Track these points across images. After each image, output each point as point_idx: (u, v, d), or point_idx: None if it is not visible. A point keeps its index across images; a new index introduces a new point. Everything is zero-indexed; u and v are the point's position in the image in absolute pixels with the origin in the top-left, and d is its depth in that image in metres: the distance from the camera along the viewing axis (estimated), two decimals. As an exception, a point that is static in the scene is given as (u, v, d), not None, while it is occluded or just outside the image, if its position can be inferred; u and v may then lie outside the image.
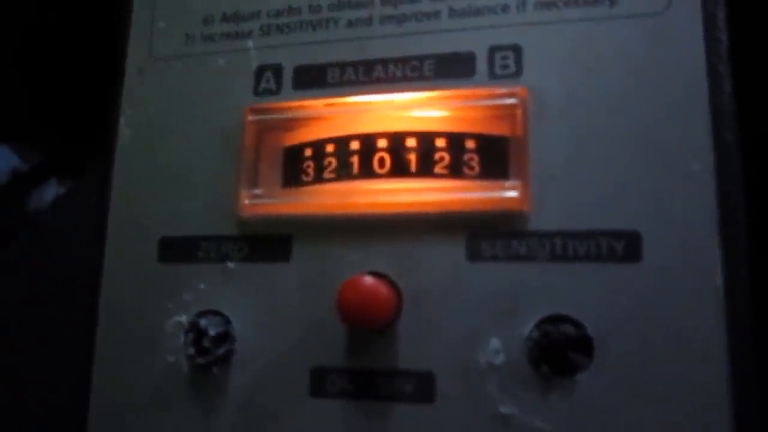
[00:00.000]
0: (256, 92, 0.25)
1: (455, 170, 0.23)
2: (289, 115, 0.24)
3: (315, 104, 0.24)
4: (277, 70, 0.25)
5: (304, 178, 0.25)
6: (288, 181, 0.25)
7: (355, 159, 0.24)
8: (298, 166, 0.25)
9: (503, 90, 0.23)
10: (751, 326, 0.20)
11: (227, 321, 0.24)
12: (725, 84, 0.21)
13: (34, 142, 0.41)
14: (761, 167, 0.23)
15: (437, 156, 0.23)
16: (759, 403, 0.20)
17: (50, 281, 0.33)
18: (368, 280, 0.21)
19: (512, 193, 0.22)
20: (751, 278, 0.20)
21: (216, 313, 0.24)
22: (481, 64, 0.23)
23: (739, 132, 0.21)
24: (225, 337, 0.23)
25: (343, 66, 0.25)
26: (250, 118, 0.25)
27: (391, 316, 0.21)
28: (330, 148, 0.24)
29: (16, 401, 0.30)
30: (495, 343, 0.21)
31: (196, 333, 0.23)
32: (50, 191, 0.43)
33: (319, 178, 0.24)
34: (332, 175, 0.24)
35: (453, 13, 0.24)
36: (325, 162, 0.24)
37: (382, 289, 0.21)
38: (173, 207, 0.25)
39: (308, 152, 0.25)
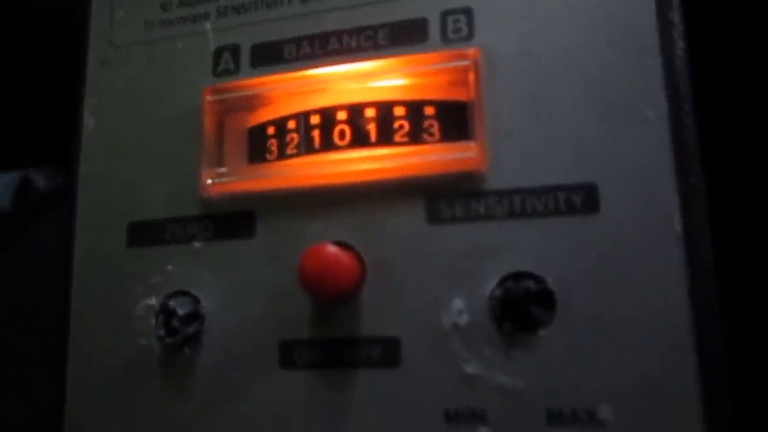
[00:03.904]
0: (216, 73, 0.25)
1: (415, 138, 0.23)
2: (248, 93, 0.25)
3: (272, 80, 0.24)
4: (235, 50, 0.25)
5: (268, 156, 0.25)
6: (252, 160, 0.25)
7: (315, 133, 0.24)
8: (262, 144, 0.25)
9: (455, 52, 0.22)
10: (712, 271, 0.20)
11: (196, 300, 0.24)
12: (676, 32, 0.21)
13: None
14: (716, 112, 0.23)
15: (396, 124, 0.23)
16: (724, 347, 0.19)
17: (35, 270, 0.34)
18: (327, 248, 0.21)
19: (468, 154, 0.22)
20: (710, 222, 0.20)
21: (185, 293, 0.24)
22: (434, 29, 0.23)
23: (691, 78, 0.21)
24: (194, 316, 0.23)
25: (298, 41, 0.25)
26: (209, 98, 0.25)
27: (352, 284, 0.21)
28: (291, 124, 0.24)
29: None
30: (458, 303, 0.21)
31: (166, 314, 0.23)
32: (58, 179, 0.43)
33: (282, 155, 0.24)
34: (294, 151, 0.24)
35: (404, -20, 0.24)
36: (288, 138, 0.24)
37: (342, 257, 0.21)
38: (139, 192, 0.25)
39: (271, 130, 0.25)
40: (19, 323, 0.31)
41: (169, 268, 0.24)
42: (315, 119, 0.24)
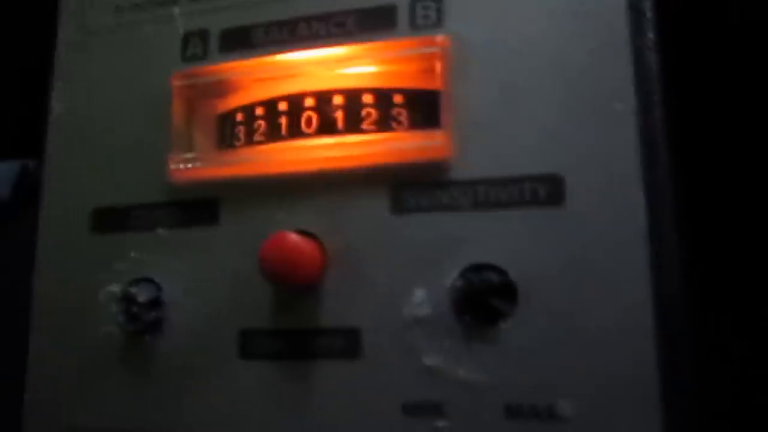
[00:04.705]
0: (184, 58, 0.25)
1: (383, 126, 0.23)
2: (215, 78, 0.24)
3: (240, 66, 0.24)
4: (204, 35, 0.25)
5: (236, 143, 0.24)
6: (220, 147, 0.25)
7: (283, 120, 0.23)
8: (230, 131, 0.25)
9: (424, 39, 0.22)
10: (677, 268, 0.19)
11: (158, 288, 0.23)
12: (646, 23, 0.21)
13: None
14: (688, 105, 0.23)
15: (364, 112, 0.23)
16: (686, 347, 0.19)
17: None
18: (288, 237, 0.21)
19: (435, 142, 0.21)
20: (676, 220, 0.20)
21: (148, 280, 0.23)
22: (403, 16, 0.23)
23: (662, 71, 0.21)
24: (155, 303, 0.23)
25: (267, 26, 0.24)
26: (177, 83, 0.24)
27: (313, 273, 0.21)
28: (259, 111, 0.24)
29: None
30: (420, 295, 0.21)
31: (127, 301, 0.23)
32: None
33: (249, 142, 0.24)
34: (262, 138, 0.24)
35: (374, -34, 0.23)
36: (255, 125, 0.24)
37: (303, 245, 0.21)
38: (105, 178, 0.25)
39: (239, 117, 0.24)
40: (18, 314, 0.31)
41: (133, 254, 0.24)
42: (282, 106, 0.24)
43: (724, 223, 0.27)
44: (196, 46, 0.25)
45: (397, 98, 0.23)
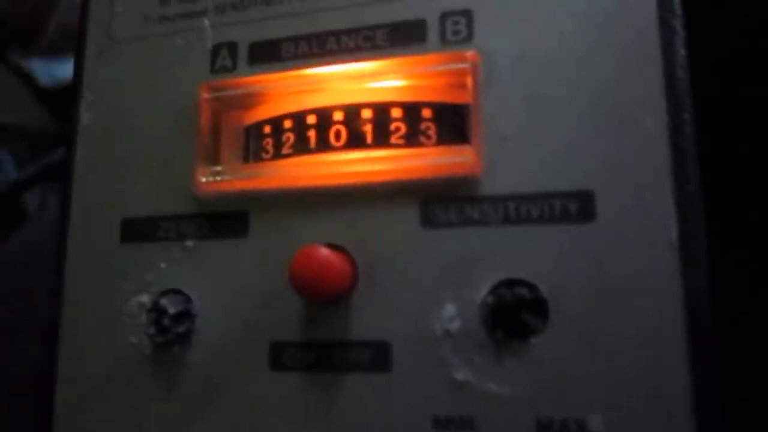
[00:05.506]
0: (213, 70, 0.25)
1: (412, 140, 0.23)
2: (244, 91, 0.24)
3: (269, 79, 0.24)
4: (233, 48, 0.25)
5: (264, 156, 0.24)
6: (247, 159, 0.25)
7: (311, 133, 0.24)
8: (257, 143, 0.25)
9: (454, 54, 0.22)
10: (707, 282, 0.20)
11: (187, 299, 0.23)
12: (677, 38, 0.21)
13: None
14: (715, 120, 0.23)
15: (393, 126, 0.23)
16: (716, 359, 0.19)
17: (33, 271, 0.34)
18: (318, 250, 0.21)
19: (464, 158, 0.21)
20: (707, 233, 0.20)
21: (176, 291, 0.24)
22: (433, 31, 0.23)
23: (692, 85, 0.21)
24: (185, 315, 0.23)
25: (296, 40, 0.24)
26: (205, 95, 0.25)
27: (343, 286, 0.21)
28: (287, 123, 0.24)
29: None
30: (450, 309, 0.21)
31: (157, 312, 0.23)
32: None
33: (277, 155, 0.24)
34: (290, 151, 0.24)
35: (403, -20, 0.24)
36: (284, 138, 0.24)
37: (333, 259, 0.21)
38: (134, 188, 0.25)
39: (267, 129, 0.25)
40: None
41: (162, 265, 0.24)
42: (311, 119, 0.24)
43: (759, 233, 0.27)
44: (225, 58, 0.25)
45: (426, 112, 0.23)
